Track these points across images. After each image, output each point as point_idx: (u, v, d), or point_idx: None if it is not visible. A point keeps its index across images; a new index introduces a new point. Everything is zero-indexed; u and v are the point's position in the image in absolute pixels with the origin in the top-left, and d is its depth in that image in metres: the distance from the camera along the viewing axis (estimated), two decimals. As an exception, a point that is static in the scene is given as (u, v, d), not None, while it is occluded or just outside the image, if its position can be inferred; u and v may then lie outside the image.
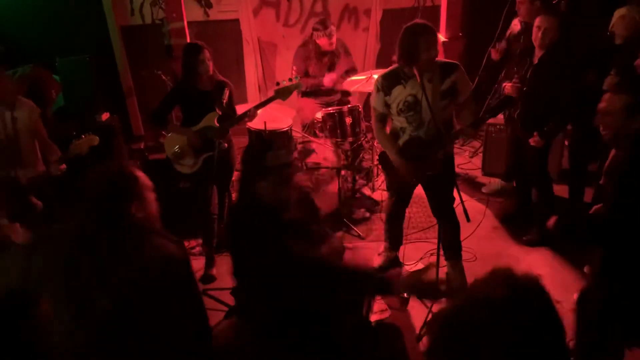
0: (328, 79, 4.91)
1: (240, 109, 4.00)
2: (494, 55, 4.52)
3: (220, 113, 3.66)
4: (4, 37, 5.15)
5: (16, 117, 3.08)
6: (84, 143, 3.19)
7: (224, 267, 4.04)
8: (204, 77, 3.65)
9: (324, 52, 4.87)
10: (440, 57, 3.26)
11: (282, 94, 3.67)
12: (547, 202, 3.97)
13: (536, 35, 3.64)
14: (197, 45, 3.64)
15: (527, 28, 4.30)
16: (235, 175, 4.09)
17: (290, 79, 3.70)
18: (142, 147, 4.80)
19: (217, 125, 3.65)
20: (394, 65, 3.24)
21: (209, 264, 4.00)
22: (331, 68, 4.92)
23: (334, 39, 4.82)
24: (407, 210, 3.81)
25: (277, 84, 3.70)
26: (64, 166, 3.18)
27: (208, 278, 3.91)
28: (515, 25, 4.53)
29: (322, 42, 4.79)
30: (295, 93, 5.20)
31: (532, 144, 3.80)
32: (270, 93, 3.82)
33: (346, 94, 5.12)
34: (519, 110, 3.87)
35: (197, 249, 4.30)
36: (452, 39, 5.72)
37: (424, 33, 3.01)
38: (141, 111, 5.80)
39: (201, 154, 3.75)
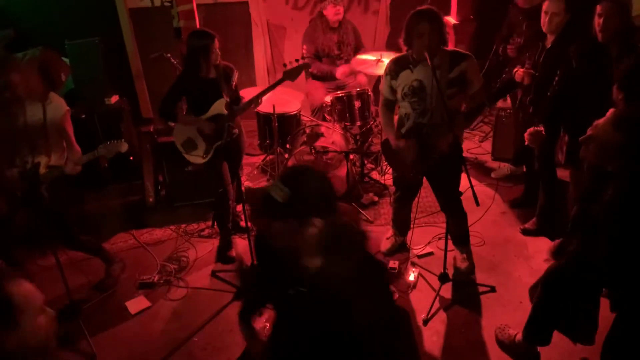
0: (340, 72, 4.87)
1: (249, 92, 4.00)
2: (511, 52, 4.44)
3: (227, 100, 3.64)
4: (13, 21, 5.16)
5: (46, 112, 3.17)
6: (113, 148, 3.22)
7: (238, 248, 4.08)
8: (210, 65, 3.60)
9: (332, 28, 4.83)
10: (451, 40, 3.23)
11: (291, 75, 3.65)
12: (547, 194, 3.94)
13: (544, 21, 3.58)
14: (209, 34, 3.54)
15: (527, 13, 4.25)
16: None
17: (297, 60, 3.69)
18: (151, 129, 4.81)
19: (226, 111, 3.63)
20: (406, 50, 3.22)
21: (228, 245, 4.02)
22: (340, 46, 4.88)
23: (340, 9, 4.79)
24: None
25: (285, 65, 3.68)
26: (80, 168, 3.22)
27: (228, 259, 3.95)
28: (514, 10, 4.47)
29: (329, 11, 4.75)
30: (304, 75, 5.22)
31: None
32: (280, 76, 3.81)
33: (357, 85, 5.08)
34: (530, 96, 3.82)
35: (207, 231, 4.34)
36: (463, 22, 5.65)
37: (422, 18, 2.99)
38: (150, 94, 5.80)
39: (214, 143, 3.71)
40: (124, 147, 3.27)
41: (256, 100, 3.71)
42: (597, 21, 3.23)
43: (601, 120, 2.28)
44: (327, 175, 1.99)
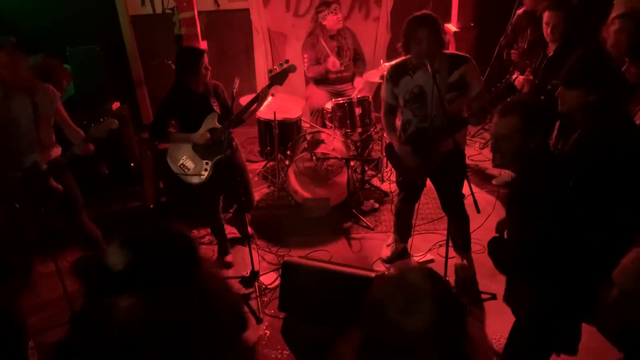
0: (331, 62, 4.84)
1: (249, 99, 3.98)
2: (515, 57, 4.45)
3: (219, 113, 3.60)
4: (15, 28, 5.18)
5: (37, 103, 3.08)
6: (104, 126, 3.17)
7: (238, 254, 4.10)
8: (200, 80, 3.53)
9: (331, 36, 4.84)
10: (452, 48, 3.24)
11: (277, 79, 3.58)
12: None
13: (546, 32, 3.62)
14: (197, 50, 3.53)
15: (533, 18, 4.26)
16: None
17: (281, 64, 3.61)
18: (152, 136, 4.82)
19: (219, 125, 3.56)
20: (404, 57, 3.22)
21: (225, 251, 4.04)
22: (340, 52, 4.89)
23: (340, 16, 4.79)
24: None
25: (270, 71, 3.63)
26: (92, 146, 3.18)
27: (225, 265, 3.97)
28: (520, 15, 4.49)
29: (330, 20, 4.75)
30: (304, 82, 5.22)
31: None
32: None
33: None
34: None
35: (207, 238, 4.33)
36: (463, 29, 5.66)
37: (420, 24, 2.99)
38: (151, 101, 5.81)
39: (212, 158, 3.64)
40: (114, 123, 3.19)
41: (247, 109, 3.61)
42: None
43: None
44: (184, 232, 1.61)
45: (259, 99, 3.61)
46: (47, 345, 3.27)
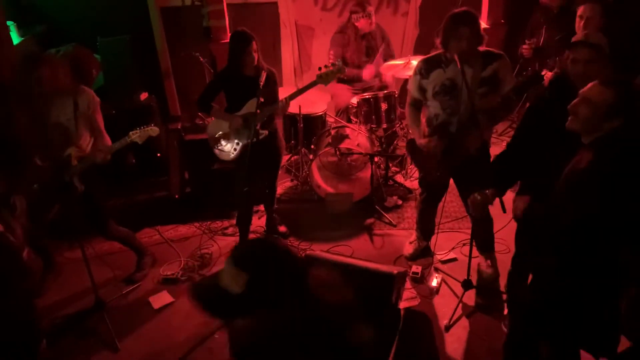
0: (367, 73, 4.84)
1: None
2: (527, 52, 4.35)
3: (262, 100, 3.63)
4: (47, 17, 5.28)
5: (77, 103, 3.25)
6: (145, 133, 3.28)
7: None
8: (247, 65, 3.60)
9: (362, 35, 4.81)
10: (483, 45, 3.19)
11: (324, 78, 3.60)
12: None
13: (579, 25, 3.53)
14: (246, 36, 3.55)
15: (548, 15, 4.17)
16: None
17: (333, 64, 3.63)
18: (178, 127, 4.86)
19: (258, 111, 3.62)
20: (438, 51, 3.20)
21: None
22: (369, 52, 4.86)
23: (373, 19, 4.76)
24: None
25: (320, 69, 3.63)
26: (110, 156, 3.28)
27: None
28: (537, 10, 4.40)
29: (362, 23, 4.72)
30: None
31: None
32: (307, 77, 3.79)
33: (384, 87, 5.02)
34: None
35: (230, 229, 4.37)
36: (493, 26, 5.59)
37: (461, 22, 2.96)
38: (178, 92, 5.87)
39: (240, 141, 3.72)
40: (155, 131, 3.32)
41: (286, 103, 3.67)
42: None
43: (587, 87, 2.24)
44: (283, 244, 1.55)
45: (296, 96, 3.67)
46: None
